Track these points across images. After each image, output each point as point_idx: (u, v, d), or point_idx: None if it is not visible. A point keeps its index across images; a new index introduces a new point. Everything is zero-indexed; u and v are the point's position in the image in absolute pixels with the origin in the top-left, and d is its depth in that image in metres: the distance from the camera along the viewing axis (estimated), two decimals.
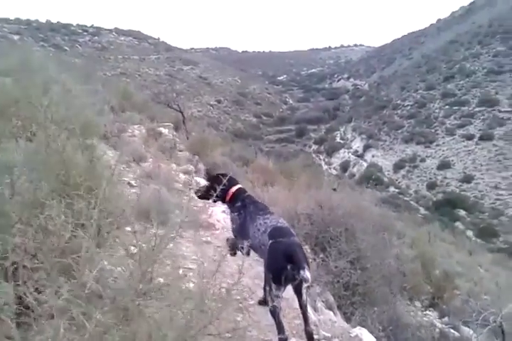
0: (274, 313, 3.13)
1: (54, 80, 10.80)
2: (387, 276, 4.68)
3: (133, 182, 7.14)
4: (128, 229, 5.02)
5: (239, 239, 3.76)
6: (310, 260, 4.42)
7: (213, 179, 4.10)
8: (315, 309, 3.94)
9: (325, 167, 71.50)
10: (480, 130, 62.97)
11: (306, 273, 3.08)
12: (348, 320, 4.35)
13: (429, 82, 79.98)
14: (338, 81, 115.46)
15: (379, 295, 4.58)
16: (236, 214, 3.85)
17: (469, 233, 45.65)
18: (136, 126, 12.05)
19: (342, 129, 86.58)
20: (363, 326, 4.37)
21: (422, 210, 50.83)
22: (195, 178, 9.90)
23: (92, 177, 4.25)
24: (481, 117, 65.29)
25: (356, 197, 5.30)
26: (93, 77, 16.75)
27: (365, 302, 4.51)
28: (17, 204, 2.31)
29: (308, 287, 3.46)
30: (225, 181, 3.84)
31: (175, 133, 15.09)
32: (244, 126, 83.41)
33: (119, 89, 15.46)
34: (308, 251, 4.43)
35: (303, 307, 3.29)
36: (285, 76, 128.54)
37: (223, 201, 3.99)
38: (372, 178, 59.81)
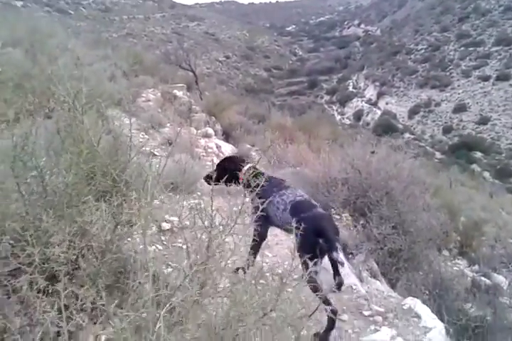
0: (317, 289, 2.98)
1: (63, 47, 10.46)
2: (432, 239, 4.51)
3: (155, 151, 6.95)
4: (157, 202, 4.88)
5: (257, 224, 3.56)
6: (351, 227, 4.25)
7: (221, 163, 3.94)
8: (360, 279, 3.81)
9: (338, 117, 70.87)
10: (496, 70, 61.31)
11: (340, 256, 2.97)
12: (393, 286, 4.24)
13: (443, 23, 76.89)
14: (349, 28, 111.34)
15: (423, 258, 4.43)
16: (253, 195, 3.63)
17: (486, 174, 45.69)
18: (150, 90, 11.73)
19: (354, 78, 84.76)
20: (409, 291, 4.25)
21: (438, 155, 50.63)
22: (215, 141, 9.66)
23: (115, 154, 4.07)
24: (498, 57, 63.30)
25: (395, 157, 5.00)
26: (101, 41, 16.22)
27: (409, 267, 4.36)
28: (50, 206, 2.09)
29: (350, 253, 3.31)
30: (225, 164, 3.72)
31: (188, 93, 14.74)
32: (254, 80, 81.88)
33: (129, 52, 15.00)
34: (349, 218, 4.25)
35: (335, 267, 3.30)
36: (294, 26, 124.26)
37: (236, 183, 3.74)
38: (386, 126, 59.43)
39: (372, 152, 4.80)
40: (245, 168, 3.72)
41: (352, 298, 3.53)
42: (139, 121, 8.83)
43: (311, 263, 3.04)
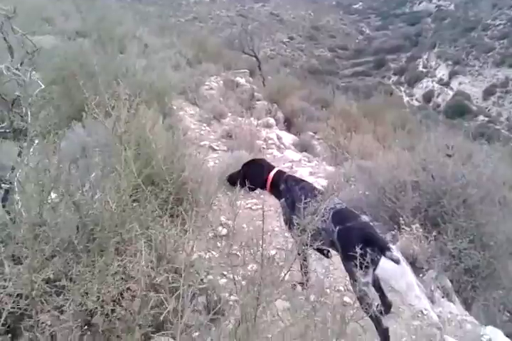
0: (367, 304, 2.70)
1: (131, 35, 10.58)
2: None
3: (214, 145, 6.82)
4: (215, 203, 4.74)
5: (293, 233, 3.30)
6: (421, 240, 3.87)
7: (247, 165, 3.73)
8: (432, 300, 3.44)
9: (406, 99, 67.98)
10: None
11: (394, 253, 2.80)
12: (468, 307, 3.83)
13: None
14: (420, 3, 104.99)
15: (503, 275, 3.96)
16: (283, 199, 3.36)
17: None
18: (212, 78, 11.67)
19: (425, 57, 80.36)
20: (486, 313, 3.84)
21: None
22: (276, 132, 9.42)
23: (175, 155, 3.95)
24: None
25: (475, 158, 4.48)
26: (167, 27, 16.38)
27: (487, 285, 3.92)
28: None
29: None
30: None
31: (251, 79, 14.56)
32: (318, 61, 79.86)
33: (193, 40, 15.02)
34: (419, 229, 3.85)
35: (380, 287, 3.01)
36: (361, 3, 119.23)
37: (262, 188, 3.56)
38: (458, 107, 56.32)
39: (449, 155, 4.32)
40: (272, 172, 3.52)
41: (422, 325, 3.17)
42: (201, 111, 8.78)
43: (360, 274, 2.78)
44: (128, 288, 1.87)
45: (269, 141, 8.38)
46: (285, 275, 2.45)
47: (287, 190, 3.33)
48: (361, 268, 2.73)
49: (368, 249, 2.67)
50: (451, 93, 66.05)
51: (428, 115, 44.36)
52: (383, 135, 12.84)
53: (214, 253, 3.91)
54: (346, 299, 3.38)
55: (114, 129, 3.89)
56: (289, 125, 11.64)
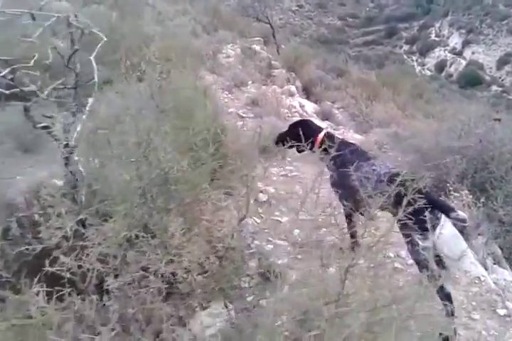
0: (424, 269, 2.61)
1: (144, 2, 10.29)
2: None
3: (241, 112, 6.68)
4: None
5: (342, 196, 3.16)
6: (470, 206, 3.75)
7: (294, 126, 3.59)
8: (485, 267, 3.37)
9: (418, 68, 66.70)
10: None
11: (460, 213, 2.68)
12: None
13: None
14: None
15: None
16: (332, 163, 3.20)
17: None
18: (229, 46, 11.36)
19: (437, 25, 78.37)
20: None
21: None
22: (298, 100, 9.25)
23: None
24: None
25: None
26: None
27: None
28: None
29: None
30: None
31: (265, 48, 14.22)
32: (328, 30, 78.10)
33: (207, 6, 14.60)
34: (469, 196, 3.73)
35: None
36: None
37: (311, 150, 3.36)
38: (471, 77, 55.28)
39: (497, 119, 4.15)
40: (322, 133, 3.40)
41: (481, 291, 3.11)
42: (221, 79, 8.59)
43: (419, 238, 2.69)
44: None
45: (293, 109, 8.22)
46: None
47: (337, 152, 3.19)
48: (420, 231, 2.64)
49: (429, 212, 2.57)
50: (464, 62, 64.74)
51: (442, 85, 43.56)
52: (403, 103, 12.62)
53: (256, 219, 3.85)
54: (397, 265, 3.31)
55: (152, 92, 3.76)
56: (307, 94, 11.42)
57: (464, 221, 2.67)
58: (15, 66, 2.09)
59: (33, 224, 1.85)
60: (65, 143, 1.96)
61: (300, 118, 3.79)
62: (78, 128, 2.17)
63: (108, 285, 1.61)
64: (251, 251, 2.99)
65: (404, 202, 2.21)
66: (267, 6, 17.37)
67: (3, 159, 3.66)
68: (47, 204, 1.81)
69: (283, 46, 16.00)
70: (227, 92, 7.93)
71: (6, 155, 3.87)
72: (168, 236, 1.69)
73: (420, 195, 2.64)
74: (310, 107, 9.34)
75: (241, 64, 10.34)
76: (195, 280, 1.90)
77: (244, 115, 6.68)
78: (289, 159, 5.43)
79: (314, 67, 14.09)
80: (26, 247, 1.65)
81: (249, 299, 2.59)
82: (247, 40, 13.21)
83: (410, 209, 2.30)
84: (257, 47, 12.61)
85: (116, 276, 1.63)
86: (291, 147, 3.56)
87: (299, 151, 3.46)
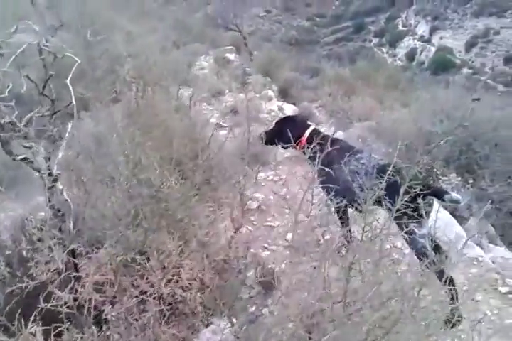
0: (423, 257, 2.60)
1: (111, 24, 10.27)
2: None
3: (221, 122, 6.68)
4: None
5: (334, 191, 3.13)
6: (460, 188, 3.78)
7: (281, 122, 3.57)
8: (481, 247, 3.38)
9: (389, 60, 67.42)
10: None
11: (454, 194, 2.67)
12: None
13: None
14: None
15: None
16: (320, 160, 3.18)
17: None
18: (202, 57, 11.40)
19: (403, 15, 79.37)
20: None
21: (501, 87, 47.19)
22: (277, 103, 9.29)
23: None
24: None
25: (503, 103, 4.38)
26: (146, 12, 15.97)
27: None
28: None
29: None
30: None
31: (238, 55, 14.30)
32: (298, 32, 78.74)
33: (176, 21, 14.68)
34: (457, 178, 3.76)
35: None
36: None
37: (297, 146, 3.32)
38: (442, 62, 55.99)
39: (477, 99, 4.20)
40: (308, 130, 3.35)
41: (480, 272, 3.12)
42: (198, 91, 8.59)
43: (415, 227, 2.69)
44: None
45: (272, 113, 8.26)
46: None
47: (323, 150, 3.16)
48: (415, 219, 2.63)
49: (421, 199, 2.56)
50: (433, 49, 65.60)
51: (415, 73, 44.06)
52: (380, 96, 12.73)
53: (249, 227, 3.83)
54: (395, 256, 3.31)
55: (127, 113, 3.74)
56: (285, 96, 11.48)
57: (458, 202, 2.67)
58: None
59: (22, 261, 1.81)
60: (47, 173, 1.93)
61: (286, 115, 3.75)
62: (59, 156, 2.14)
63: (107, 315, 1.57)
64: (248, 260, 2.97)
65: (402, 190, 2.21)
66: (235, 14, 17.51)
67: None
68: (35, 238, 1.78)
69: (255, 52, 16.09)
70: (205, 104, 7.93)
71: None
72: (164, 255, 1.66)
73: (416, 182, 2.64)
74: (289, 109, 9.37)
75: (216, 74, 10.38)
76: (195, 299, 1.88)
77: (224, 124, 6.68)
78: (273, 163, 5.43)
79: (289, 69, 14.18)
80: (17, 286, 1.60)
81: (251, 310, 2.57)
82: (220, 50, 13.28)
83: (406, 198, 2.31)
84: (230, 56, 12.68)
85: (114, 304, 1.60)
86: (271, 144, 3.54)
87: (285, 147, 3.41)
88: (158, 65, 6.84)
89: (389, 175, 2.60)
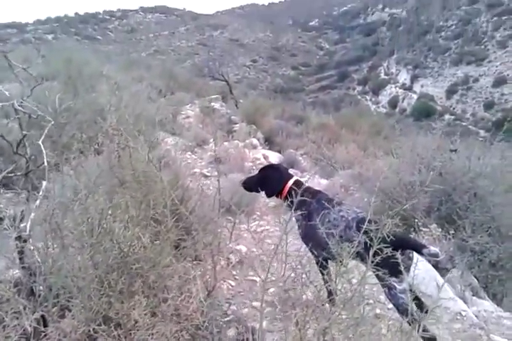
0: (404, 313, 2.55)
1: (98, 74, 10.49)
2: None
3: (205, 171, 6.70)
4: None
5: (313, 247, 3.09)
6: (441, 240, 3.78)
7: (265, 170, 3.49)
8: (464, 300, 3.33)
9: (373, 107, 69.56)
10: None
11: (432, 248, 2.61)
12: (498, 302, 3.73)
13: None
14: (373, 14, 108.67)
15: None
16: (299, 213, 3.18)
17: None
18: (188, 106, 11.62)
19: (385, 64, 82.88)
20: None
21: (482, 133, 48.68)
22: (261, 152, 9.39)
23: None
24: None
25: (482, 152, 4.47)
26: (133, 62, 16.40)
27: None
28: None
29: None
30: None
31: (224, 104, 14.60)
32: (283, 80, 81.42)
33: (163, 71, 15.06)
34: (438, 229, 3.77)
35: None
36: (317, 20, 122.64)
37: (278, 196, 3.31)
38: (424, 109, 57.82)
39: (454, 150, 4.30)
40: (291, 181, 3.31)
41: (464, 327, 3.03)
42: (183, 140, 8.68)
43: (394, 281, 2.64)
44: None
45: (257, 161, 8.32)
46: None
47: (304, 202, 3.16)
48: (395, 275, 2.61)
49: (400, 254, 2.55)
50: (415, 96, 67.98)
51: (398, 120, 45.37)
52: (363, 143, 12.96)
53: (231, 282, 3.74)
54: (378, 311, 3.24)
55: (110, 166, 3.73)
56: (270, 144, 11.63)
57: (436, 255, 2.65)
58: None
59: None
60: (17, 235, 1.89)
61: (271, 163, 3.76)
62: (32, 216, 2.11)
63: None
64: (228, 318, 2.88)
65: (371, 251, 2.19)
66: (222, 64, 18.08)
67: None
68: (2, 301, 1.71)
69: (241, 101, 16.46)
70: (189, 153, 7.99)
71: None
72: (131, 323, 1.60)
73: (389, 238, 2.63)
74: (274, 157, 9.47)
75: (201, 123, 10.53)
76: None
77: (208, 174, 6.69)
78: (258, 213, 5.40)
79: (274, 117, 14.46)
80: None
81: None
82: (205, 99, 13.55)
83: (380, 256, 2.29)
84: (216, 105, 12.93)
85: None
86: (252, 191, 3.53)
87: (268, 196, 3.40)
88: (143, 114, 6.95)
89: (366, 229, 2.61)
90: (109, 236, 1.78)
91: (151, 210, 2.41)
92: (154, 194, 2.72)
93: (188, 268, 2.15)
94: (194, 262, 2.91)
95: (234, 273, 3.83)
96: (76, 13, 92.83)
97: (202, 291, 1.89)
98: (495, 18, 66.32)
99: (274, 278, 2.75)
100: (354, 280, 3.58)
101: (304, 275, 2.90)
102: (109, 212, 2.30)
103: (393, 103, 70.47)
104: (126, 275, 1.75)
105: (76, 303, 1.60)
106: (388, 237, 2.61)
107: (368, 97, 77.42)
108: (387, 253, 2.27)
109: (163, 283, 1.88)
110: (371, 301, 3.39)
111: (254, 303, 3.24)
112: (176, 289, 1.88)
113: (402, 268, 2.43)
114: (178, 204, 2.28)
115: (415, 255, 2.79)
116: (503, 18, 64.87)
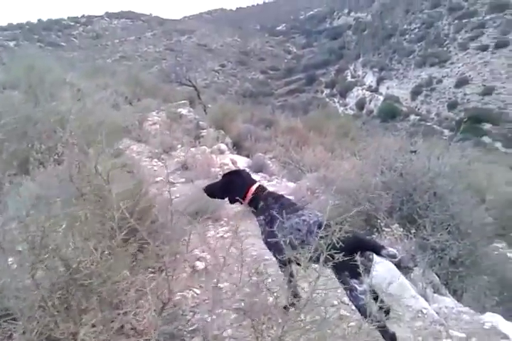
0: (365, 314, 2.58)
1: (61, 82, 10.26)
2: (491, 236, 4.09)
3: (171, 178, 6.63)
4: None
5: (276, 251, 3.11)
6: (402, 239, 3.85)
7: (227, 176, 3.50)
8: (426, 298, 3.39)
9: (341, 109, 70.67)
10: (494, 38, 61.06)
11: (390, 249, 2.68)
12: (458, 298, 3.82)
13: None
14: (339, 18, 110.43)
15: (485, 260, 4.01)
16: (262, 218, 3.20)
17: (498, 145, 45.57)
18: (154, 113, 11.50)
19: (351, 67, 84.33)
20: (477, 300, 3.84)
21: (447, 132, 50.24)
22: (229, 157, 9.36)
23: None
24: (493, 25, 62.89)
25: (441, 152, 4.58)
26: (98, 69, 16.11)
27: (473, 273, 3.94)
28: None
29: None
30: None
31: (192, 109, 14.52)
32: (252, 85, 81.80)
33: (128, 77, 14.85)
34: (399, 229, 3.83)
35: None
36: (284, 25, 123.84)
37: (241, 202, 3.29)
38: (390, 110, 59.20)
39: (413, 152, 4.39)
40: (254, 186, 3.31)
41: (425, 325, 3.08)
42: (149, 147, 8.58)
43: (355, 283, 2.68)
44: None
45: (225, 167, 8.27)
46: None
47: (266, 207, 3.16)
48: (355, 276, 2.64)
49: (359, 256, 2.58)
50: (381, 98, 69.39)
51: (365, 121, 46.31)
52: (331, 145, 13.10)
53: (196, 290, 3.70)
54: (342, 312, 3.26)
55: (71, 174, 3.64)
56: (238, 149, 11.62)
57: (394, 256, 2.70)
58: None
59: None
60: None
61: (235, 169, 3.72)
62: None
63: None
64: (192, 327, 2.85)
65: (322, 256, 2.21)
66: (189, 69, 17.99)
67: None
68: None
69: (210, 106, 16.40)
70: (156, 160, 7.89)
71: None
72: None
73: (348, 241, 2.65)
74: (242, 162, 9.45)
75: (168, 129, 10.42)
76: None
77: (174, 181, 6.62)
78: (225, 219, 5.38)
79: (242, 121, 14.47)
80: None
81: None
82: (173, 105, 13.43)
83: (337, 259, 2.31)
84: (184, 111, 12.82)
85: None
86: (215, 197, 3.51)
87: (231, 202, 3.39)
88: (107, 122, 6.82)
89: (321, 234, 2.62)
90: (53, 253, 1.72)
91: (105, 223, 2.36)
92: (107, 206, 2.66)
93: (145, 280, 2.09)
94: (155, 274, 2.86)
95: (199, 280, 3.80)
96: (39, 20, 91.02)
97: (155, 304, 1.85)
98: (456, 21, 68.41)
99: (240, 285, 2.75)
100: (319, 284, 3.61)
101: (268, 280, 2.91)
102: (62, 227, 2.24)
103: (360, 105, 71.77)
104: (75, 292, 1.70)
105: (18, 326, 1.54)
106: (345, 240, 2.65)
107: (335, 100, 78.58)
108: (345, 255, 2.30)
109: (117, 297, 1.83)
110: (336, 302, 3.42)
111: (220, 310, 3.21)
112: (131, 303, 1.83)
113: (361, 269, 2.47)
114: (128, 217, 2.21)
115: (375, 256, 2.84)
116: (464, 20, 67.00)
